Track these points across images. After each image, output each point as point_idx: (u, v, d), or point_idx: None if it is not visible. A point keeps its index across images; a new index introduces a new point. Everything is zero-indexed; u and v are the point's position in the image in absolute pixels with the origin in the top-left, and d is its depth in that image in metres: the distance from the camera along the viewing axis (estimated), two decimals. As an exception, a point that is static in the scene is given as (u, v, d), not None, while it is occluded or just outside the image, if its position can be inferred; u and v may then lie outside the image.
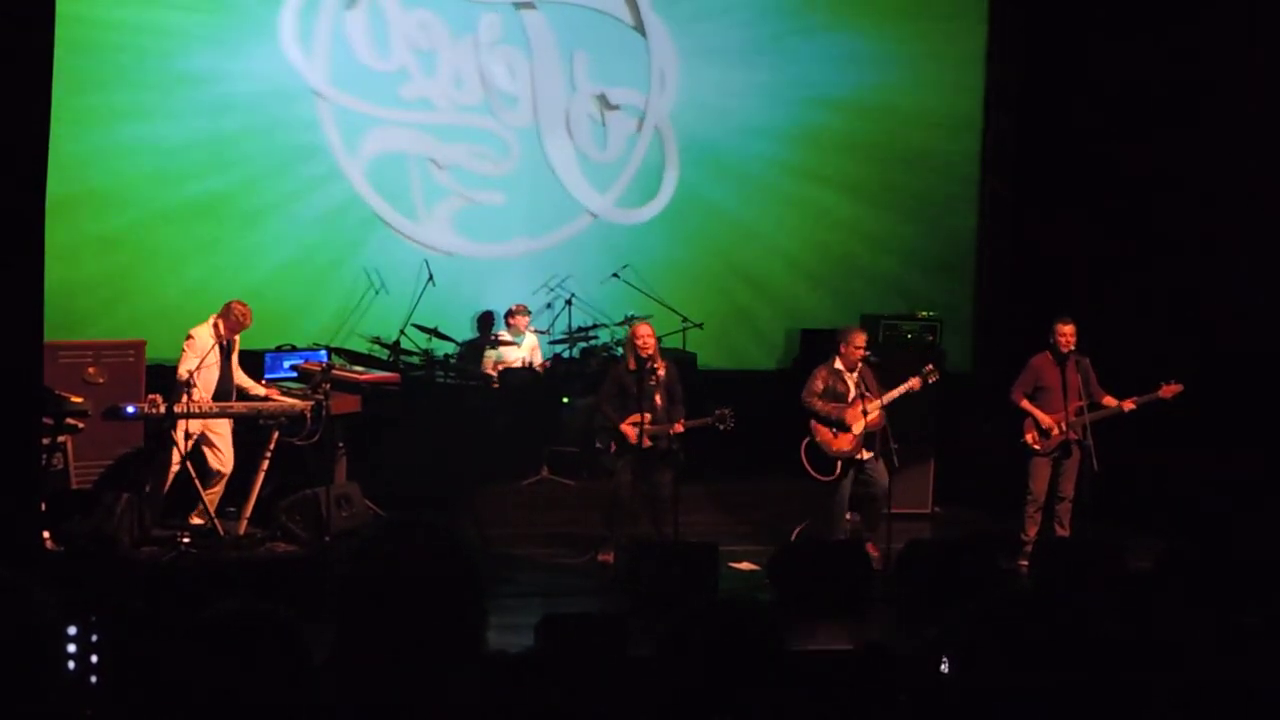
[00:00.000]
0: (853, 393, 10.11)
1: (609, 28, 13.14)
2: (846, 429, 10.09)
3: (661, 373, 10.09)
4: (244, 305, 10.06)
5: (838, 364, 10.19)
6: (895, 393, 10.11)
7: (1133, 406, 10.17)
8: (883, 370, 10.38)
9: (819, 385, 10.20)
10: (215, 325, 9.96)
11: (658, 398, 10.05)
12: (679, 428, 10.01)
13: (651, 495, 10.18)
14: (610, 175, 13.26)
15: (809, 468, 10.16)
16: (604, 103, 13.21)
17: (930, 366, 10.22)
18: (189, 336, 9.93)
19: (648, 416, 9.97)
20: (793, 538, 10.35)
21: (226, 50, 12.20)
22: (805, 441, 10.18)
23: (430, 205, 12.85)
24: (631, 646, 6.37)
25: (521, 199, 13.05)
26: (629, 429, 10.03)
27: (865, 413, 10.05)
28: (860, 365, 10.15)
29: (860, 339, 10.22)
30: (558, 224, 13.14)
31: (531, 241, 13.09)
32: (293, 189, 12.46)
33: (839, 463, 10.12)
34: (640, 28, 13.20)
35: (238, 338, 10.09)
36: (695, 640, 2.99)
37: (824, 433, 10.15)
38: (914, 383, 10.11)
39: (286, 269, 12.38)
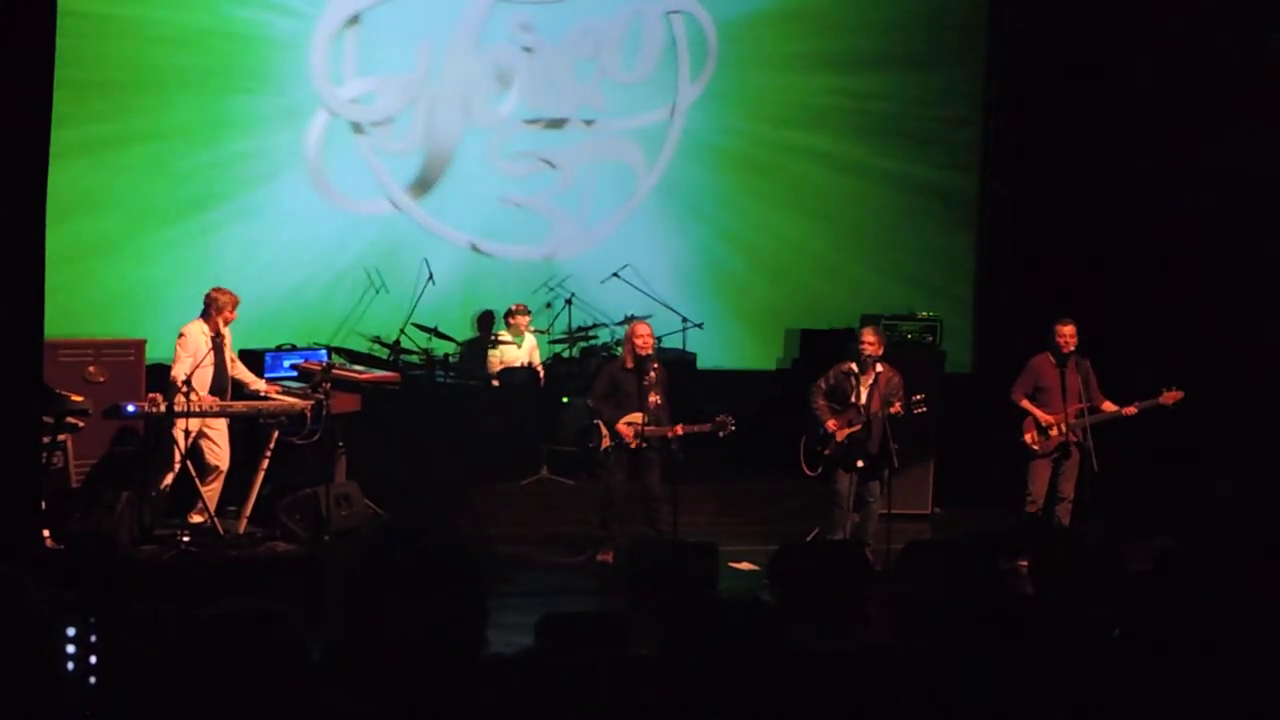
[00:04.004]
0: (862, 396, 10.05)
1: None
2: (829, 436, 10.06)
3: (655, 374, 10.10)
4: (221, 290, 10.04)
5: (851, 364, 10.16)
6: (893, 406, 9.96)
7: (1134, 412, 10.15)
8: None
9: (823, 383, 10.19)
10: (207, 321, 9.96)
11: (653, 398, 10.07)
12: (678, 431, 10.02)
13: (643, 495, 10.20)
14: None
15: (802, 459, 10.16)
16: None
17: (920, 395, 10.06)
18: (180, 335, 9.93)
19: (641, 416, 10.00)
20: (808, 539, 10.30)
21: (228, 48, 12.20)
22: (805, 435, 10.18)
23: (432, 201, 12.87)
24: (631, 646, 6.36)
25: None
26: (625, 429, 10.04)
27: (850, 422, 10.02)
28: (883, 369, 10.05)
29: (866, 335, 10.17)
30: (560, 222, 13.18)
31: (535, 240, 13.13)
32: (294, 187, 12.46)
33: (821, 466, 10.12)
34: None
35: (229, 330, 10.08)
36: (698, 639, 2.99)
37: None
38: (896, 409, 9.89)
39: (287, 268, 12.38)
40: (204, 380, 9.83)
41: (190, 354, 9.81)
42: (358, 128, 12.64)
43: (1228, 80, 11.71)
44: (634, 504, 10.28)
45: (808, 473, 10.19)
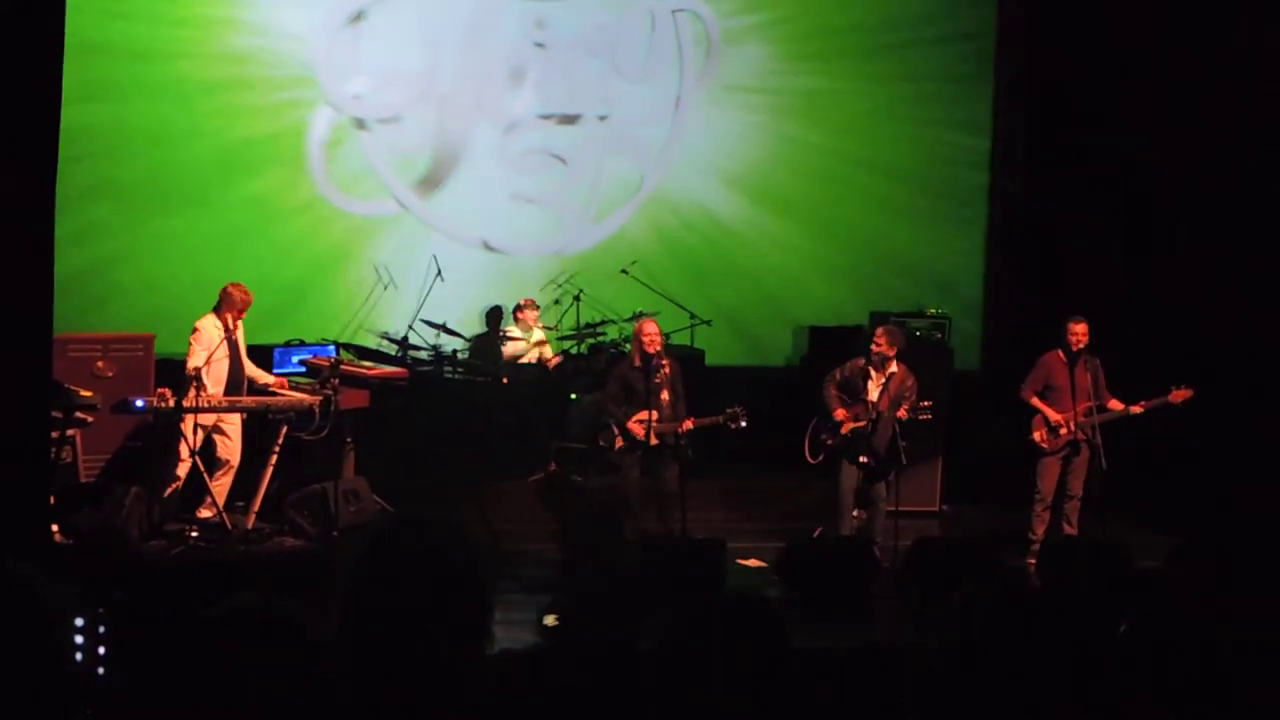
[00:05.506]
0: (873, 393, 10.03)
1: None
2: (835, 427, 10.05)
3: (667, 370, 10.07)
4: (238, 285, 10.04)
5: (863, 362, 10.15)
6: (899, 409, 9.96)
7: (1140, 411, 10.13)
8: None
9: (838, 374, 10.19)
10: (222, 315, 9.96)
11: (664, 395, 10.05)
12: (688, 425, 9.99)
13: (658, 491, 10.18)
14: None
15: (806, 446, 10.15)
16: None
17: (928, 403, 10.05)
18: (194, 329, 9.94)
19: (654, 414, 9.97)
20: (815, 535, 10.30)
21: (238, 42, 12.21)
22: (814, 422, 10.18)
23: (442, 197, 12.87)
24: (639, 642, 6.37)
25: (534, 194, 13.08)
26: (636, 427, 10.01)
27: (857, 417, 10.00)
28: (898, 369, 10.02)
29: (877, 336, 10.14)
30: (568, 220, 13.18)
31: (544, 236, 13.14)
32: (300, 183, 12.47)
33: (822, 455, 10.11)
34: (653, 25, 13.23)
35: (241, 325, 10.08)
36: (704, 636, 2.99)
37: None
38: (901, 413, 9.90)
39: (295, 263, 12.39)
40: (219, 375, 9.84)
41: (204, 347, 9.82)
42: (361, 124, 12.64)
43: (1234, 78, 11.67)
44: (648, 502, 10.26)
45: (809, 460, 10.18)
